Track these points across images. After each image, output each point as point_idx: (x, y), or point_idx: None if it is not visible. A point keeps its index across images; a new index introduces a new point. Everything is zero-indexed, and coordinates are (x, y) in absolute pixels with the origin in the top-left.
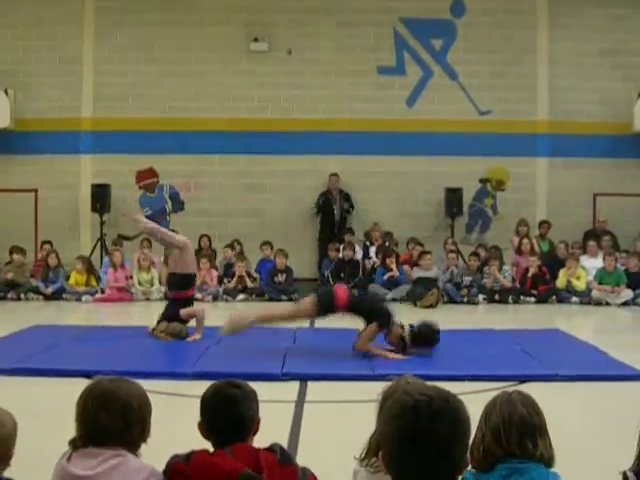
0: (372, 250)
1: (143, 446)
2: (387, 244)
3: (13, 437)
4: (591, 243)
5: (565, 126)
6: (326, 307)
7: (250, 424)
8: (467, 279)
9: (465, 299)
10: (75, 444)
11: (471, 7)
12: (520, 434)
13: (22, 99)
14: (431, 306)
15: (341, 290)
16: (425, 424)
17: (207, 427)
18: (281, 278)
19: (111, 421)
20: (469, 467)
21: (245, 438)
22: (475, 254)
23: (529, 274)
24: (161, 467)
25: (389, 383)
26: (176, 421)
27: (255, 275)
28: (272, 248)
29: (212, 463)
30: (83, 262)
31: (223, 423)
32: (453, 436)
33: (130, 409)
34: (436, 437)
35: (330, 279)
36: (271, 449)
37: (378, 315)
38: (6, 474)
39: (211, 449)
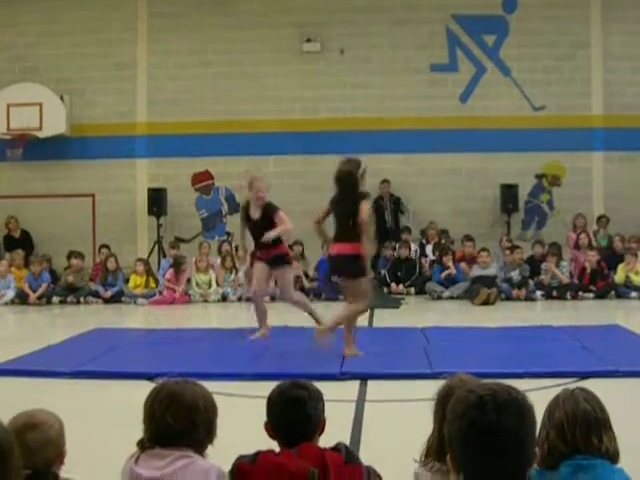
0: (428, 248)
1: (209, 447)
2: (443, 242)
3: (62, 437)
4: None
5: (620, 120)
6: None
7: (316, 424)
8: (514, 273)
9: (523, 297)
10: (143, 445)
11: (523, 2)
12: (585, 429)
13: (78, 105)
14: (487, 303)
15: None
16: (492, 418)
17: (274, 427)
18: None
19: (178, 422)
20: (535, 465)
21: (311, 438)
22: (517, 247)
23: (588, 269)
24: (226, 468)
25: (442, 383)
26: (237, 422)
27: (312, 275)
28: None
29: (278, 463)
30: (143, 264)
31: (289, 424)
32: (520, 428)
33: (196, 410)
34: (504, 430)
35: (387, 277)
36: (336, 448)
37: None
38: (67, 474)
39: (277, 449)
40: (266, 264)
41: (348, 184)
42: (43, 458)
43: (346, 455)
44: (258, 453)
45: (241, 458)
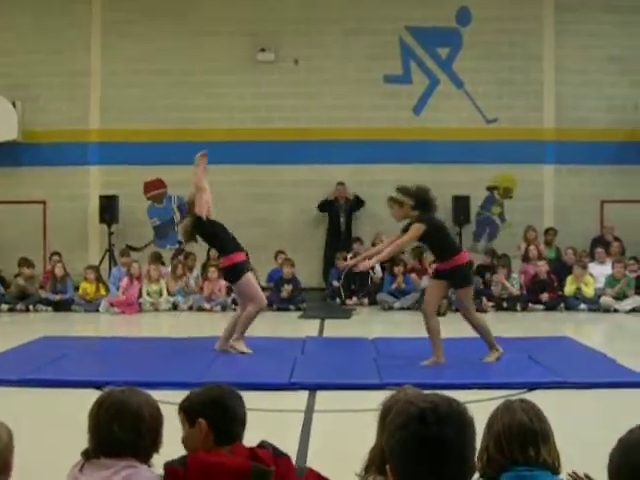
0: None
1: (155, 457)
2: None
3: (10, 449)
4: (599, 250)
5: (572, 133)
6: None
7: (244, 423)
8: None
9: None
10: (87, 455)
11: (477, 15)
12: (521, 441)
13: (30, 111)
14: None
15: None
16: (433, 430)
17: (210, 427)
18: (288, 288)
19: (123, 431)
20: (476, 476)
21: (241, 438)
22: None
23: (540, 278)
24: None
25: (387, 395)
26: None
27: (264, 284)
28: (286, 257)
29: (214, 463)
30: (93, 271)
31: (228, 422)
32: (461, 440)
33: (142, 419)
34: (445, 442)
35: (341, 291)
36: (262, 446)
37: None
38: None
39: None
40: None
41: None
42: None
43: (273, 450)
44: (185, 456)
45: (169, 463)
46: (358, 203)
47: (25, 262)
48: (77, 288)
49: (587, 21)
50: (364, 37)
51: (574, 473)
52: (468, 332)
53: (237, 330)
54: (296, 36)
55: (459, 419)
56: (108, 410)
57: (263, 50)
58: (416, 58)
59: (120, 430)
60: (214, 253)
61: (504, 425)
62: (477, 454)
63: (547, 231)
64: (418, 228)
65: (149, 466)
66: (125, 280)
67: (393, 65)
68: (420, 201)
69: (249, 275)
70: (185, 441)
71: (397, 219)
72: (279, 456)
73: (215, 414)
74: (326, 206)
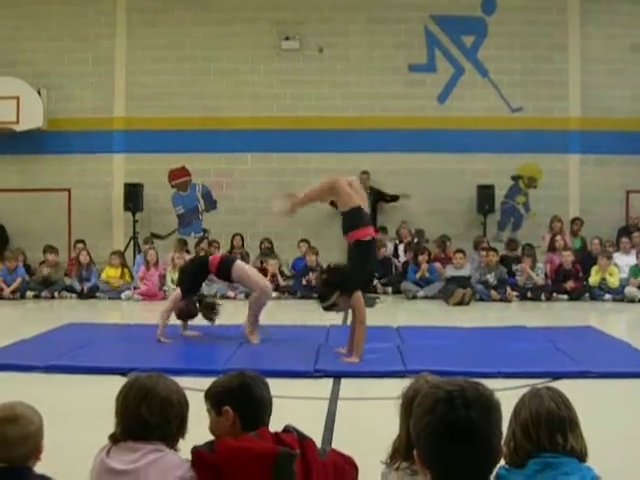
0: (400, 248)
1: (180, 441)
2: (418, 241)
3: (40, 433)
4: (624, 240)
5: (597, 123)
6: None
7: (271, 409)
8: (490, 276)
9: (499, 297)
10: (115, 438)
11: (502, 4)
12: (549, 428)
13: (55, 99)
14: (462, 303)
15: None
16: (460, 413)
17: (237, 414)
18: (312, 276)
19: (151, 415)
20: (502, 463)
21: (268, 423)
22: (492, 249)
23: (564, 268)
24: None
25: (407, 385)
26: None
27: (288, 273)
28: (309, 245)
29: (241, 447)
30: (118, 257)
31: (254, 408)
32: (488, 423)
33: (169, 404)
34: (472, 425)
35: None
36: (287, 430)
37: None
38: (39, 469)
39: None
40: None
41: None
42: (20, 452)
43: (297, 434)
44: (213, 441)
45: (197, 448)
46: (391, 197)
47: (50, 249)
48: (100, 276)
49: (612, 11)
50: (389, 25)
51: None
52: (491, 321)
53: (248, 320)
54: (321, 24)
55: (486, 403)
56: (137, 394)
57: (288, 38)
58: (441, 47)
59: (148, 413)
60: (238, 241)
61: (532, 412)
62: (503, 440)
63: (573, 221)
64: (357, 297)
65: (176, 451)
66: (142, 268)
67: (418, 54)
68: (339, 286)
69: (239, 263)
70: (213, 429)
71: (347, 309)
72: (304, 439)
73: (241, 401)
74: None
